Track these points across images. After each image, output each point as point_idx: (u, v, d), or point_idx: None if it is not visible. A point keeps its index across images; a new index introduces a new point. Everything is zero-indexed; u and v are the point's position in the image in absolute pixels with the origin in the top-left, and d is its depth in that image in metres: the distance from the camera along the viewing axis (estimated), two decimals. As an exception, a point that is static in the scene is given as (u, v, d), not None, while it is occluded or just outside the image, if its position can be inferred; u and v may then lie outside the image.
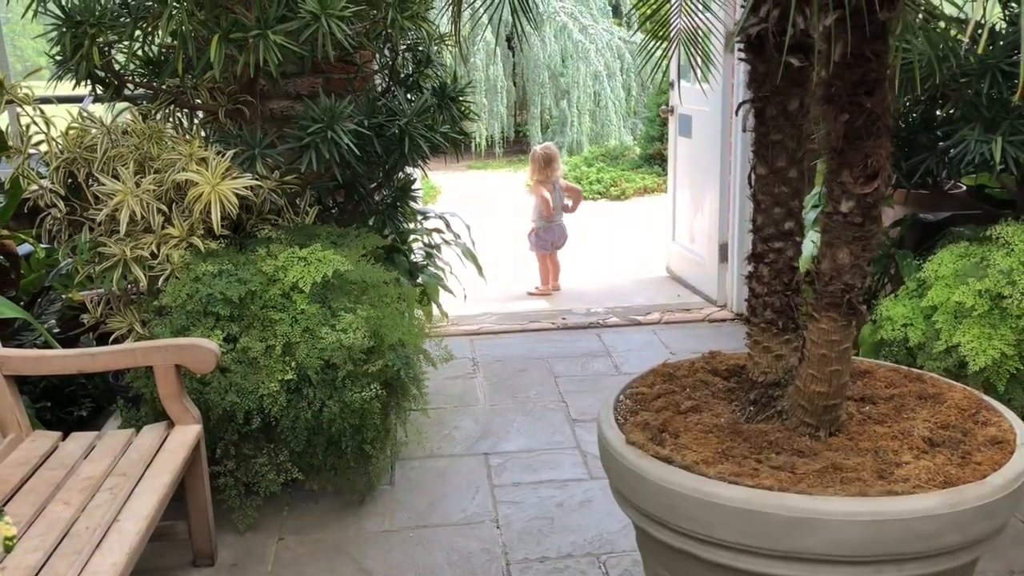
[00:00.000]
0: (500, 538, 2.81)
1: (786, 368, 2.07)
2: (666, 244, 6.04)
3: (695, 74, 2.78)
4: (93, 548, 1.97)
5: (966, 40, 2.95)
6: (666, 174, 6.11)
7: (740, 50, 2.00)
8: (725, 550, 1.76)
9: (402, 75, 3.69)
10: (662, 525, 1.86)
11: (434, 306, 3.94)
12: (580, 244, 7.24)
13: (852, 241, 1.84)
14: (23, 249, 3.38)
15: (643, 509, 1.90)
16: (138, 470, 2.33)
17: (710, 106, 5.05)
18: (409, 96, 3.50)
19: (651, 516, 1.88)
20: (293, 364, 2.69)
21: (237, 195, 2.86)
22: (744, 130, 4.29)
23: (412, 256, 3.88)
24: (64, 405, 3.28)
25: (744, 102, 2.06)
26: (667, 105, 5.83)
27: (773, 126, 1.98)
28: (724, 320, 4.99)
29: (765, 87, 1.97)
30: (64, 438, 2.56)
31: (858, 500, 1.67)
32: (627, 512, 2.01)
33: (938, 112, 3.34)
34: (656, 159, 10.25)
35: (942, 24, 2.75)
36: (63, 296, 3.43)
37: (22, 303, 3.18)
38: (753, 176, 2.06)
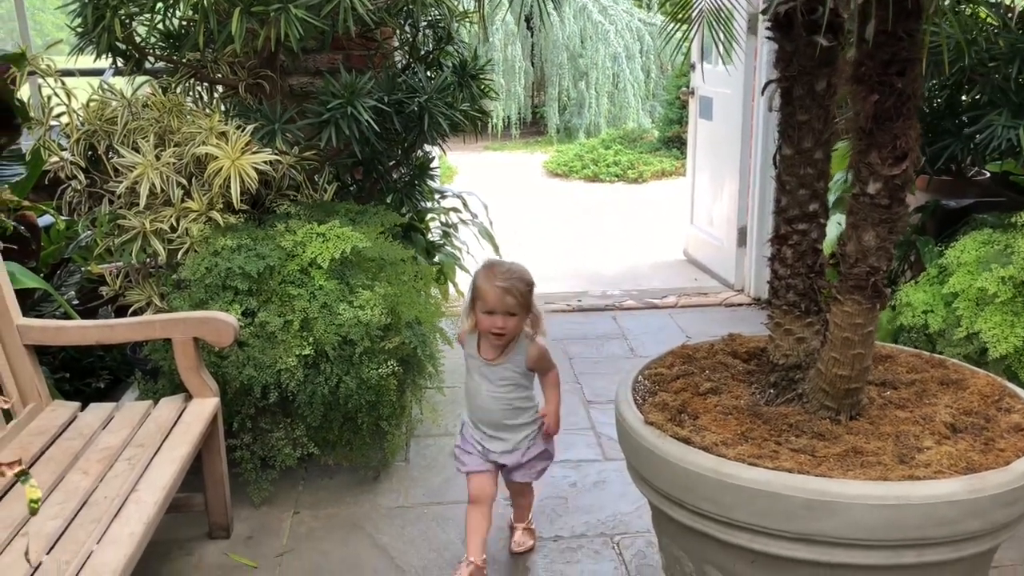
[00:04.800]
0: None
1: (807, 351, 2.05)
2: (684, 227, 6.01)
3: (718, 54, 2.75)
4: (112, 517, 1.98)
5: (997, 23, 2.91)
6: (684, 157, 6.07)
7: (768, 28, 1.98)
8: (743, 531, 1.76)
9: (422, 52, 3.67)
10: (679, 505, 1.85)
11: (450, 285, 3.94)
12: (597, 226, 7.24)
13: (878, 223, 1.82)
14: (43, 220, 3.39)
15: (660, 489, 1.90)
16: (156, 441, 2.34)
17: (732, 88, 5.00)
18: (429, 73, 3.48)
19: (668, 496, 1.88)
20: (311, 339, 2.69)
21: (256, 170, 2.85)
22: (770, 110, 4.25)
23: (429, 235, 3.87)
24: (82, 376, 3.30)
25: (770, 81, 2.03)
26: (687, 87, 5.77)
27: (800, 106, 1.96)
28: (741, 304, 4.96)
29: (792, 67, 1.94)
30: (83, 409, 2.57)
31: (878, 484, 1.66)
32: (643, 491, 2.01)
33: (963, 97, 3.29)
34: (674, 142, 10.18)
35: (972, 6, 2.71)
36: (82, 268, 3.44)
37: (42, 274, 3.19)
38: (778, 157, 2.03)
